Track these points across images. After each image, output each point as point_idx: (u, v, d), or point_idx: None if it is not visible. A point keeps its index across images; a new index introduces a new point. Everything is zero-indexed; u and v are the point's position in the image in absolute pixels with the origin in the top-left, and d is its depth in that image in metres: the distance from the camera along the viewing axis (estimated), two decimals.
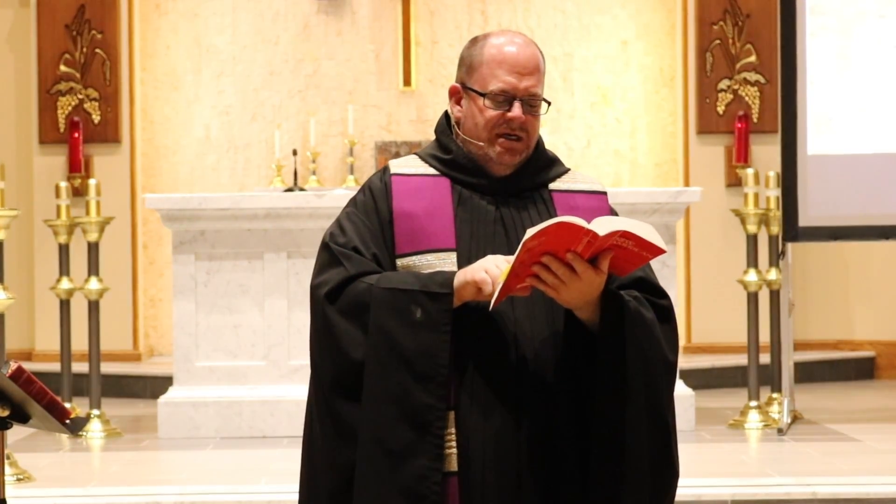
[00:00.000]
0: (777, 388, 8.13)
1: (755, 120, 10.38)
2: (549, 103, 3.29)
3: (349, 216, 3.29)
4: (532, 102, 3.25)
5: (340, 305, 3.18)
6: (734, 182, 10.20)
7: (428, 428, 3.09)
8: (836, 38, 7.73)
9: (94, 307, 8.01)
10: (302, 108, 10.78)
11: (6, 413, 3.71)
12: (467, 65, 3.30)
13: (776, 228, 8.09)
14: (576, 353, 3.16)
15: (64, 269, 8.09)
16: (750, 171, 8.24)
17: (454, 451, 3.13)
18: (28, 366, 4.56)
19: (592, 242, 2.99)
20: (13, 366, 3.63)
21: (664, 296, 3.26)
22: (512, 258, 3.02)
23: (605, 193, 3.38)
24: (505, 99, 3.24)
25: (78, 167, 10.20)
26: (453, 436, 3.13)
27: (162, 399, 7.76)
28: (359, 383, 3.14)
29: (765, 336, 8.18)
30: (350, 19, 10.80)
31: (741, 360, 8.65)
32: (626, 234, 3.00)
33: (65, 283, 8.09)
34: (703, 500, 5.99)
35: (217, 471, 6.75)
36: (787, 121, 7.75)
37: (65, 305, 8.14)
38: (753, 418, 7.83)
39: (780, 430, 7.63)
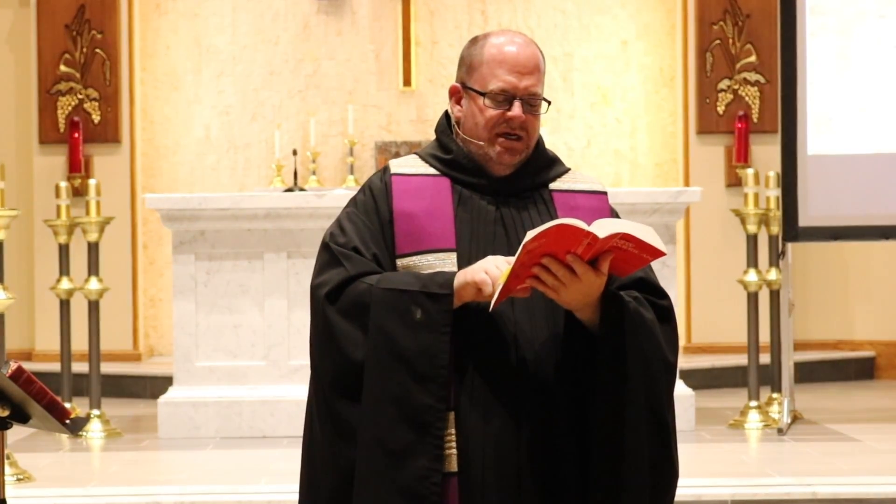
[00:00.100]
0: (777, 388, 8.13)
1: (755, 120, 10.37)
2: (549, 103, 3.29)
3: (349, 216, 3.29)
4: (532, 102, 3.25)
5: (340, 306, 3.18)
6: (734, 182, 10.19)
7: (428, 428, 3.09)
8: (836, 38, 7.73)
9: (94, 307, 8.00)
10: (302, 108, 10.77)
11: (6, 413, 3.71)
12: (467, 64, 3.30)
13: (776, 228, 8.09)
14: (576, 353, 3.16)
15: (64, 269, 8.09)
16: (750, 171, 8.23)
17: (454, 451, 3.13)
18: (28, 366, 4.56)
19: (592, 244, 2.99)
20: (13, 366, 3.63)
21: (664, 296, 3.26)
22: (512, 259, 3.02)
23: (605, 193, 3.38)
24: (505, 98, 3.24)
25: (78, 167, 10.19)
26: (453, 436, 3.13)
27: (162, 399, 7.76)
28: (359, 384, 3.14)
29: (765, 336, 8.18)
30: (350, 19, 10.80)
31: (741, 360, 8.65)
32: (625, 237, 3.00)
33: (65, 283, 8.09)
34: (703, 500, 5.99)
35: (217, 471, 6.75)
36: (787, 121, 7.75)
37: (65, 305, 8.13)
38: (753, 418, 7.83)
39: (780, 430, 7.63)
